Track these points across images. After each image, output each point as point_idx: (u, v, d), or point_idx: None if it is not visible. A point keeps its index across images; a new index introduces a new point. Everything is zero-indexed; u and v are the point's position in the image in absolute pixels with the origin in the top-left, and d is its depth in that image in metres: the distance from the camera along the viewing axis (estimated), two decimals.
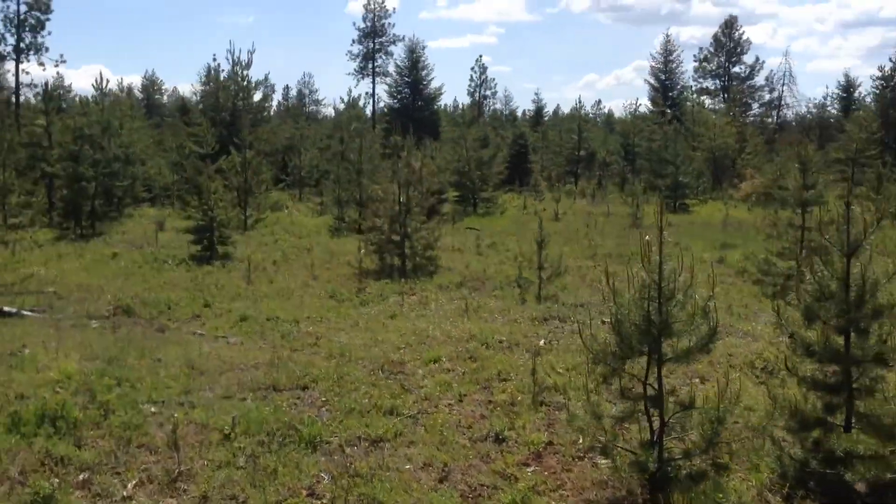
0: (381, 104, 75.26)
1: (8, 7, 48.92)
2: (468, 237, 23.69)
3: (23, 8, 49.27)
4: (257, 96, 37.30)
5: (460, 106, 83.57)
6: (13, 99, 50.10)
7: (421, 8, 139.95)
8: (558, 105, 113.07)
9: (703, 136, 46.27)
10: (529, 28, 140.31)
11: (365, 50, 78.01)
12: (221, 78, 36.12)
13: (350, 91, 75.58)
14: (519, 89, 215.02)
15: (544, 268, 15.29)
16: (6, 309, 12.57)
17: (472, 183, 33.10)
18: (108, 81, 28.92)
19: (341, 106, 40.99)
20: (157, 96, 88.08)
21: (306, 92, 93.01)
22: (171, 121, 60.30)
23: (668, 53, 68.36)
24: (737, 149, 46.29)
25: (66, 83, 54.81)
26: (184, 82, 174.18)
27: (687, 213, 33.23)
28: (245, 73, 36.41)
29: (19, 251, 20.02)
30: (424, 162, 20.97)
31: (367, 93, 78.27)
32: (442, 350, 10.66)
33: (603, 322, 8.18)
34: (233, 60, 36.47)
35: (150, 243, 23.14)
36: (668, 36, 69.13)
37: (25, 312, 12.54)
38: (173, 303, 14.18)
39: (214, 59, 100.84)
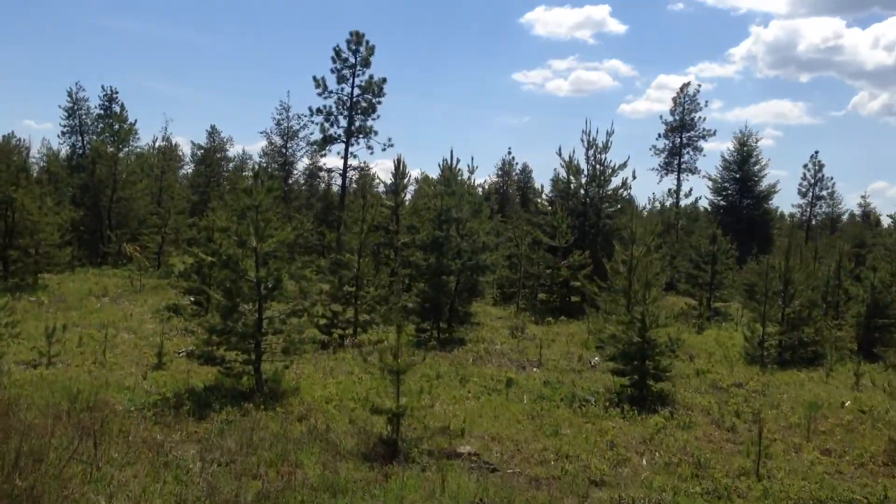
0: (692, 201, 67.65)
1: (342, 90, 48.48)
2: None
3: (356, 91, 48.66)
4: (615, 182, 31.79)
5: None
6: (341, 183, 49.28)
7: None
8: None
9: None
10: (810, 131, 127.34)
11: (671, 145, 71.43)
12: (576, 162, 31.07)
13: (680, 187, 69.23)
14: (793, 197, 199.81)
15: None
16: None
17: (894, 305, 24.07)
18: (458, 160, 24.64)
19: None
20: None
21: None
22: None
23: None
24: None
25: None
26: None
27: None
28: (602, 156, 31.21)
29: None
30: None
31: (670, 189, 71.41)
32: None
33: None
34: (588, 142, 31.47)
35: (531, 361, 17.67)
36: None
37: None
38: None
39: (510, 153, 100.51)
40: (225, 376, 12.87)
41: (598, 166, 31.36)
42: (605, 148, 31.41)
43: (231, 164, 70.78)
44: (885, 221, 65.44)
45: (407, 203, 26.70)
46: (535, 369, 16.88)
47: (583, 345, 20.80)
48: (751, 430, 12.68)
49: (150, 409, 11.12)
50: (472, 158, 38.70)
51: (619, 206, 31.32)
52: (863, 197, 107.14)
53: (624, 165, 31.73)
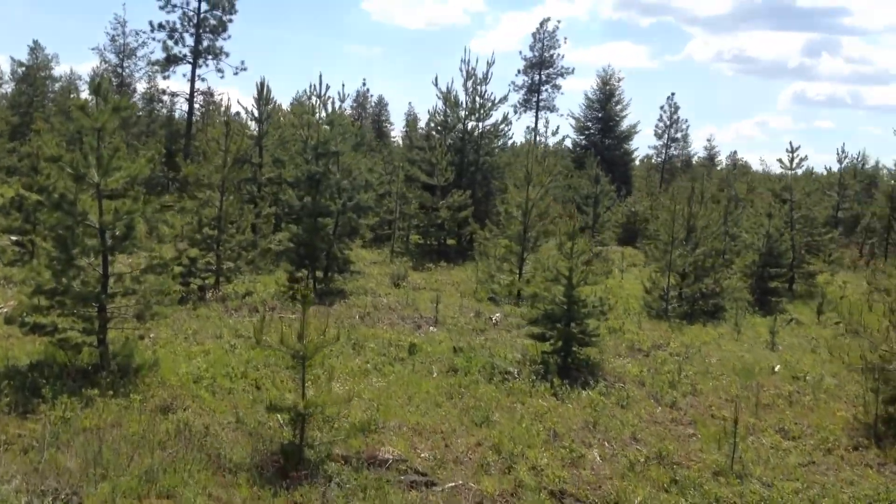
0: (558, 140, 67.16)
1: (188, 3, 43.33)
2: None
3: (203, 6, 43.64)
4: (495, 116, 29.76)
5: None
6: (188, 109, 44.42)
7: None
8: (734, 152, 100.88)
9: None
10: (649, 75, 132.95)
11: (530, 81, 70.40)
12: (455, 94, 28.77)
13: (541, 125, 68.41)
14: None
15: None
16: None
17: (788, 255, 23.11)
18: (328, 87, 21.35)
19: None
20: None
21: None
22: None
23: None
24: None
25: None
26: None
27: None
28: (482, 88, 29.09)
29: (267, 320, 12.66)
30: None
31: (528, 127, 70.82)
32: None
33: None
34: (466, 73, 29.21)
35: (426, 318, 15.56)
36: None
37: None
38: None
39: (364, 84, 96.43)
40: (58, 349, 9.94)
41: (478, 99, 29.22)
42: (485, 80, 29.27)
43: (57, 85, 63.33)
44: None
45: (270, 133, 23.47)
46: (432, 328, 14.79)
47: (473, 296, 18.93)
48: (693, 405, 11.26)
49: None
50: (343, 85, 35.07)
51: (500, 142, 29.42)
52: (708, 140, 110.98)
53: (505, 99, 29.86)
